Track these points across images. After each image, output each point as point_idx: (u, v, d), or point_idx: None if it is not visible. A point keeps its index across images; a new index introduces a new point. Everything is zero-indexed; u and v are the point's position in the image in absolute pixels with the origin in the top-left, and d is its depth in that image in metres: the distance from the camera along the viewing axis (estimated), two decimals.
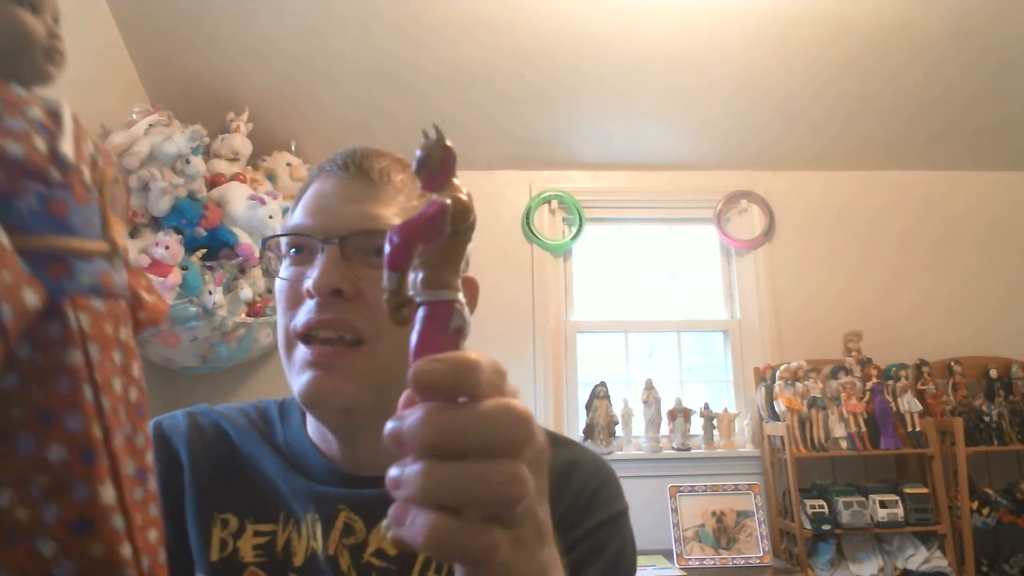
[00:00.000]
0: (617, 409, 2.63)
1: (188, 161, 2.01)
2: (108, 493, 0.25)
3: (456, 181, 0.32)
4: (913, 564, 2.32)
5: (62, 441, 0.24)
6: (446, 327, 0.30)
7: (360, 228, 0.62)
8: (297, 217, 0.66)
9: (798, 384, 2.54)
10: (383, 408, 0.64)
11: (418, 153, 0.32)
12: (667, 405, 2.64)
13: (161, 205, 1.95)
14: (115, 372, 0.26)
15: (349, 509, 0.64)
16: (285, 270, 0.66)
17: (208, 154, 2.29)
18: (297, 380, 0.62)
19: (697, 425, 2.65)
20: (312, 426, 0.70)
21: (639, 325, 2.86)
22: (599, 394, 2.61)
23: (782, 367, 2.57)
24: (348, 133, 2.57)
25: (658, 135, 2.76)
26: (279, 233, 0.68)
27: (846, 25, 2.28)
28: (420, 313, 0.31)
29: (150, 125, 2.03)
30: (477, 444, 0.30)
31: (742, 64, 2.43)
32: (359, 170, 0.66)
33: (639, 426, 2.64)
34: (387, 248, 0.31)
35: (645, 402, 2.63)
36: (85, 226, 0.26)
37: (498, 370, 0.32)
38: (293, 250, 0.65)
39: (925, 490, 2.40)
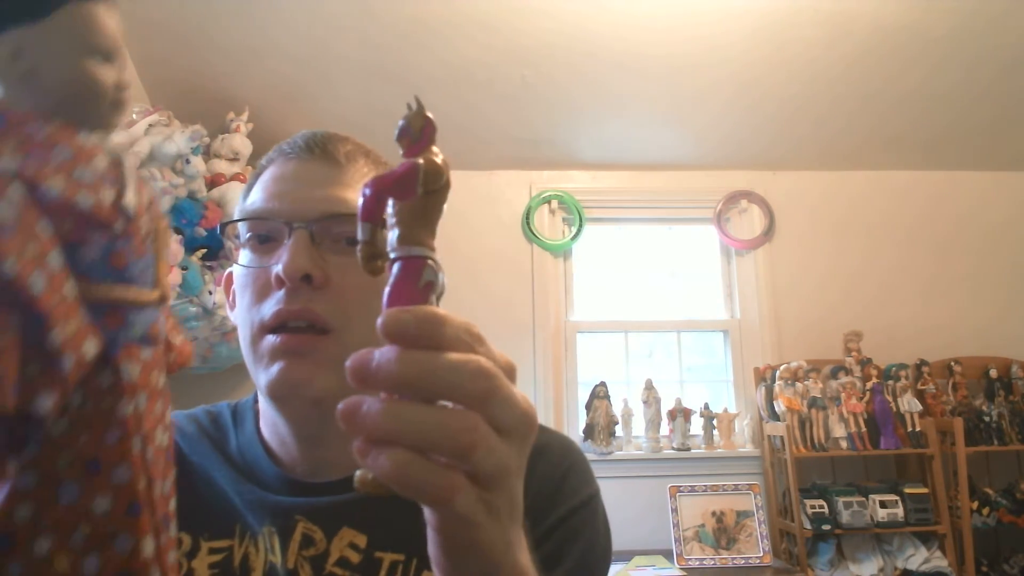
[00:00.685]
0: (617, 409, 2.63)
1: (188, 161, 2.02)
2: (149, 546, 0.25)
3: (435, 149, 0.33)
4: (913, 564, 2.32)
5: (108, 492, 0.24)
6: (417, 281, 0.31)
7: (330, 212, 0.60)
8: (257, 201, 0.62)
9: (798, 384, 2.54)
10: None
11: (400, 123, 0.33)
12: (667, 405, 2.64)
13: (161, 205, 1.95)
14: (158, 421, 0.27)
15: (306, 519, 0.61)
16: (245, 258, 0.62)
17: (208, 154, 2.29)
18: (266, 372, 0.58)
19: (697, 425, 2.65)
20: (269, 429, 0.66)
21: (639, 325, 2.86)
22: (599, 394, 2.61)
23: (782, 367, 2.57)
24: (348, 133, 2.57)
25: (658, 135, 2.76)
26: (240, 217, 0.63)
27: (846, 26, 2.28)
28: (394, 268, 0.32)
29: (150, 125, 2.03)
30: (440, 389, 0.30)
31: (742, 64, 2.43)
32: (324, 153, 0.64)
33: (639, 426, 2.64)
34: (360, 201, 0.33)
35: (645, 402, 2.63)
36: (140, 275, 0.27)
37: (470, 331, 0.32)
38: (254, 236, 0.62)
39: (925, 490, 2.40)
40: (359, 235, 0.33)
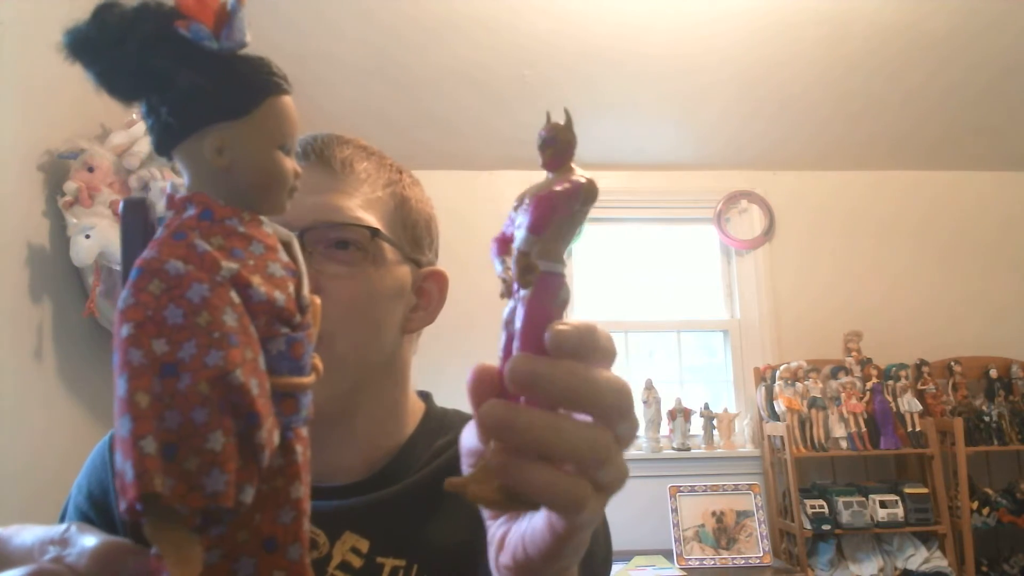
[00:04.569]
0: None
1: None
2: None
3: (574, 165, 0.34)
4: (913, 564, 2.32)
5: (283, 568, 0.26)
6: (556, 298, 0.32)
7: (321, 220, 0.59)
8: None
9: (798, 384, 2.54)
10: (349, 408, 0.62)
11: (543, 133, 0.34)
12: (667, 405, 2.64)
13: (161, 205, 1.95)
14: (308, 496, 0.28)
15: (310, 523, 0.61)
16: None
17: None
18: None
19: (697, 425, 2.65)
20: None
21: (639, 325, 2.86)
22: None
23: (782, 367, 2.57)
24: (348, 134, 2.57)
25: (658, 135, 2.76)
26: None
27: (847, 26, 2.28)
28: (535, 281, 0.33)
29: None
30: (602, 408, 0.31)
31: (742, 65, 2.43)
32: (320, 158, 0.63)
33: (639, 426, 2.64)
34: (529, 214, 0.33)
35: (645, 402, 2.63)
36: (308, 361, 0.28)
37: (610, 339, 0.34)
38: None
39: (925, 490, 2.40)
40: (520, 245, 0.33)
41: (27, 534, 0.28)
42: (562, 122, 0.34)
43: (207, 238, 0.26)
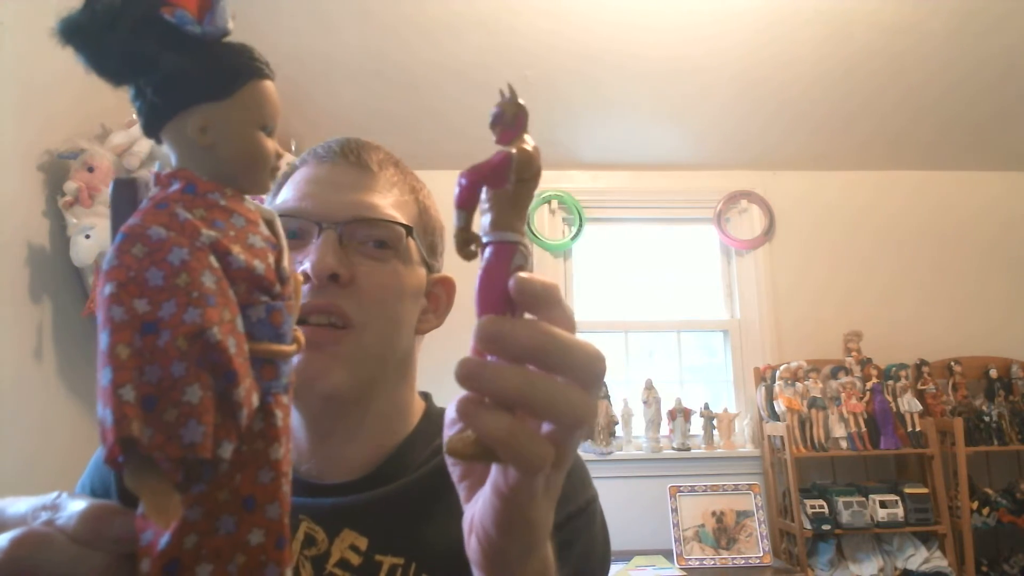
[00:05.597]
0: (617, 409, 2.63)
1: None
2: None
3: (526, 136, 0.35)
4: (913, 564, 2.32)
5: (262, 526, 0.27)
6: (508, 265, 0.33)
7: (359, 215, 0.61)
8: (289, 200, 0.63)
9: (798, 384, 2.54)
10: (363, 399, 0.63)
11: (494, 110, 0.35)
12: (667, 405, 2.64)
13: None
14: (290, 461, 0.29)
15: (310, 519, 0.62)
16: None
17: None
18: None
19: (697, 425, 2.65)
20: None
21: (639, 325, 2.86)
22: (599, 394, 2.61)
23: (782, 367, 2.57)
24: (348, 134, 2.54)
25: (658, 135, 2.76)
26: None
27: (847, 27, 2.28)
28: (486, 252, 0.34)
29: None
30: (572, 367, 0.32)
31: (743, 65, 2.43)
32: (358, 159, 0.66)
33: (639, 426, 2.64)
34: (456, 190, 0.34)
35: (645, 402, 2.63)
36: (288, 331, 0.29)
37: (571, 310, 0.34)
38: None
39: (925, 490, 2.40)
40: (455, 222, 0.34)
41: (21, 503, 0.29)
42: (507, 96, 0.35)
43: (189, 209, 0.27)
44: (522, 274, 0.32)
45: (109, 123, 2.06)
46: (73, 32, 0.27)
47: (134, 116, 2.07)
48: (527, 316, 0.33)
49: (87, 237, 1.68)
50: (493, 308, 0.32)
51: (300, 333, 0.31)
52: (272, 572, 0.26)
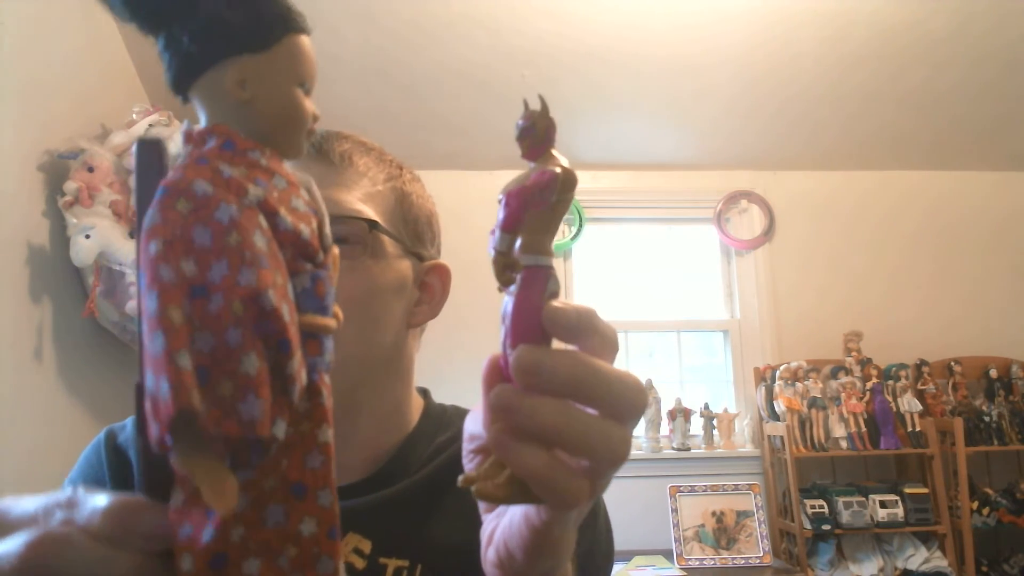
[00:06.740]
0: None
1: None
2: (342, 569, 0.25)
3: (555, 152, 0.33)
4: (913, 564, 2.32)
5: (314, 515, 0.24)
6: (543, 292, 0.31)
7: None
8: None
9: (798, 384, 2.54)
10: (351, 404, 0.62)
11: (521, 122, 0.33)
12: (667, 405, 2.64)
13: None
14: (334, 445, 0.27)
15: None
16: None
17: None
18: None
19: (697, 425, 2.65)
20: None
21: (639, 325, 2.86)
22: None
23: (782, 367, 2.57)
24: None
25: (658, 135, 2.76)
26: None
27: (847, 26, 2.28)
28: (519, 276, 0.32)
29: (150, 125, 2.03)
30: (613, 402, 0.31)
31: (743, 65, 2.43)
32: (318, 152, 0.63)
33: (639, 426, 2.64)
34: (501, 212, 0.32)
35: None
36: (331, 304, 0.27)
37: (611, 328, 0.33)
38: None
39: (925, 490, 2.40)
40: (497, 245, 0.32)
41: (27, 502, 0.26)
42: (538, 109, 0.33)
43: (232, 166, 0.25)
44: (555, 303, 0.31)
45: (109, 123, 2.06)
46: None
47: (134, 116, 2.06)
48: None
49: (87, 237, 1.68)
50: (529, 337, 0.31)
51: (339, 309, 0.28)
52: (326, 565, 0.24)
